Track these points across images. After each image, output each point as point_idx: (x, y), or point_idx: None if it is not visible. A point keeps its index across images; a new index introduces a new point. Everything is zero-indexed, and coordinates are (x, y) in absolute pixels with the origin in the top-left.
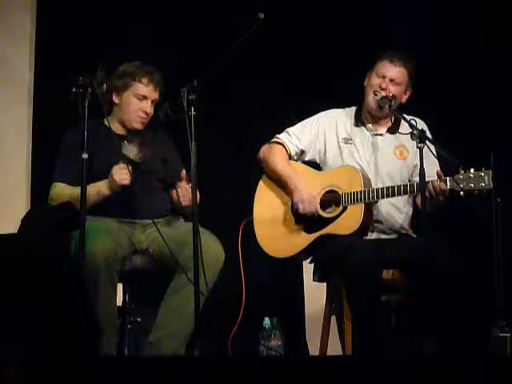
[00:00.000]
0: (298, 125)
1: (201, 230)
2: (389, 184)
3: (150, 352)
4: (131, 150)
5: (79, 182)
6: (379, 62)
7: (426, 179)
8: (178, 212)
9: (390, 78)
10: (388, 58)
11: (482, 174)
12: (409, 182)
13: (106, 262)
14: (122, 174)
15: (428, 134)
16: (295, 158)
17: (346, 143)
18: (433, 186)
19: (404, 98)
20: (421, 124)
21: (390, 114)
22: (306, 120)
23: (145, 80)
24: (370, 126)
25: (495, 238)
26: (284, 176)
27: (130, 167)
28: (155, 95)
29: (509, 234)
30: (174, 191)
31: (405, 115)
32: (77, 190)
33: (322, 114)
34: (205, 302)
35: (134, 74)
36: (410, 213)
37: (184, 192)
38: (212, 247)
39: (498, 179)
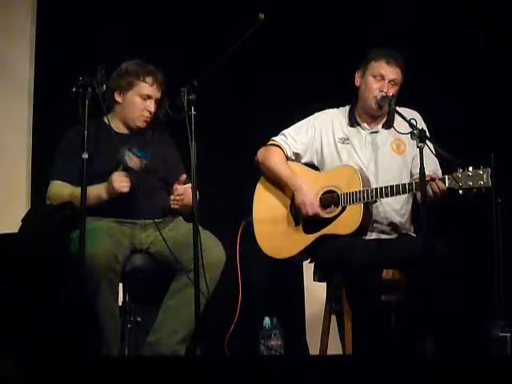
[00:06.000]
0: (294, 126)
1: (202, 230)
2: (391, 181)
3: (149, 352)
4: (133, 161)
5: (78, 180)
6: (374, 62)
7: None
8: (178, 212)
9: (389, 79)
10: (384, 59)
11: (481, 172)
12: (410, 175)
13: (106, 264)
14: (121, 182)
15: (425, 128)
16: (293, 158)
17: (343, 143)
18: (431, 187)
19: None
20: (415, 116)
21: (390, 113)
22: (302, 121)
23: (149, 79)
24: (365, 125)
25: (495, 238)
26: (284, 176)
27: (130, 174)
28: (158, 94)
29: (509, 234)
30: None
31: (402, 111)
32: (77, 190)
33: (317, 114)
34: (206, 303)
35: (138, 73)
36: (410, 212)
37: (177, 195)
38: (213, 248)
39: (499, 179)
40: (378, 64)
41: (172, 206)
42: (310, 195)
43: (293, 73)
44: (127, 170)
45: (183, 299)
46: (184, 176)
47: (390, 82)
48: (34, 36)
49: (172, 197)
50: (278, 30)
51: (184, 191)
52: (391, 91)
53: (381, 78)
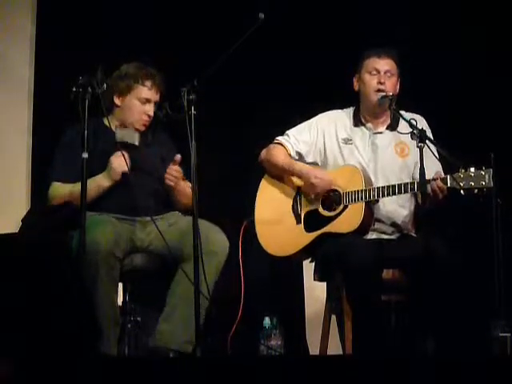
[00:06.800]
0: (298, 127)
1: (202, 221)
2: (390, 181)
3: (160, 342)
4: (125, 134)
5: (78, 180)
6: (365, 60)
7: (426, 178)
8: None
9: (384, 71)
10: (375, 55)
11: (483, 173)
12: (412, 179)
13: (107, 249)
14: (120, 161)
15: (429, 132)
16: (296, 158)
17: (346, 143)
18: (431, 186)
19: (397, 89)
20: (420, 121)
21: (390, 114)
22: (305, 122)
23: (148, 83)
24: (369, 125)
25: (495, 238)
26: (287, 165)
27: (127, 154)
28: (157, 97)
29: (509, 234)
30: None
31: (405, 114)
32: (77, 187)
33: (320, 115)
34: (209, 292)
35: (136, 76)
36: (412, 212)
37: (174, 170)
38: (215, 237)
39: (499, 179)
40: (370, 60)
41: (166, 181)
42: (313, 170)
43: (293, 73)
44: (123, 150)
45: (188, 286)
46: (179, 156)
47: (385, 73)
48: (34, 36)
49: (167, 171)
50: (278, 30)
51: (178, 172)
52: (389, 83)
53: (376, 72)
